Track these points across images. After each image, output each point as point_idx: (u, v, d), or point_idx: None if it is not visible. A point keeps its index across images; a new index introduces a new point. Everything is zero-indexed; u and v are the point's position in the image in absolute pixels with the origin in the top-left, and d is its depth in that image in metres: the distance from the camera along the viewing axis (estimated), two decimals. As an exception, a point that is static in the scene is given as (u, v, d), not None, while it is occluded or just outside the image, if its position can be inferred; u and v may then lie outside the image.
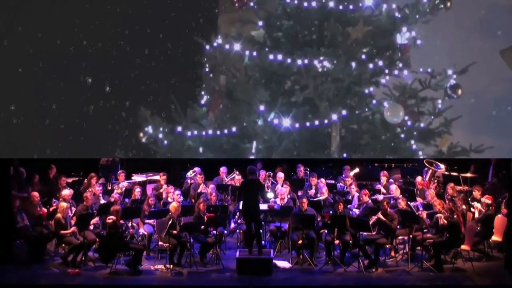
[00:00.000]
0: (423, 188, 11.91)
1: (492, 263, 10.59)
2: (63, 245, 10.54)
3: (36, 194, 10.98)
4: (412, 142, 9.34)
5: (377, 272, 10.15)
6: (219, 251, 10.75)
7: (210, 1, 11.66)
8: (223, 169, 12.62)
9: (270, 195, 11.88)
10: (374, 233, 10.52)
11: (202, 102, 9.72)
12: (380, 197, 11.54)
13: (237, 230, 11.54)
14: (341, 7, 9.33)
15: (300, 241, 10.49)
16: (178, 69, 11.24)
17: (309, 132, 9.14)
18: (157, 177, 12.69)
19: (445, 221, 10.23)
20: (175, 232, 10.31)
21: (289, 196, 11.63)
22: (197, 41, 9.69)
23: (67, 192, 11.12)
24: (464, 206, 11.06)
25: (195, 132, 9.28)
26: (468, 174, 12.41)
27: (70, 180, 12.51)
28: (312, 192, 12.00)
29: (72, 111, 10.85)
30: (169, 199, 11.61)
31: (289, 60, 9.13)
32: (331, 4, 9.29)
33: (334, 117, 8.93)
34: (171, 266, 10.23)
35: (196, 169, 12.56)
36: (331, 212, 11.07)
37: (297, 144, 9.07)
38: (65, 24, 10.66)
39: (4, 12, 10.49)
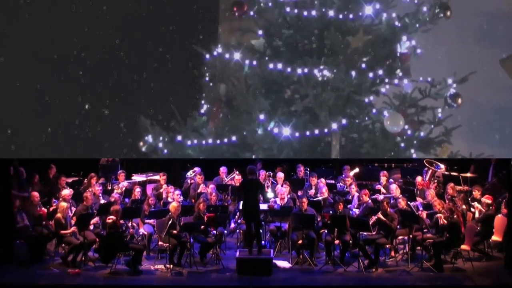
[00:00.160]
0: (423, 188, 11.91)
1: (492, 263, 10.59)
2: (63, 245, 10.54)
3: (36, 194, 10.98)
4: (412, 151, 9.37)
5: (377, 272, 10.15)
6: (219, 251, 10.75)
7: (210, 10, 11.67)
8: (223, 169, 12.63)
9: (270, 195, 11.89)
10: (374, 233, 10.52)
11: (202, 111, 9.71)
12: (380, 196, 11.55)
13: (237, 230, 11.54)
14: (341, 16, 9.35)
15: (300, 241, 10.49)
16: (178, 78, 11.26)
17: (309, 141, 9.14)
18: (157, 177, 12.70)
19: (445, 221, 10.23)
20: (175, 232, 10.31)
21: (289, 196, 11.63)
22: (197, 50, 9.69)
23: (67, 192, 11.12)
24: (464, 206, 11.06)
25: (195, 141, 9.29)
26: (468, 174, 12.41)
27: (70, 180, 12.50)
28: (312, 192, 12.00)
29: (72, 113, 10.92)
30: (169, 199, 11.62)
31: (289, 69, 9.15)
32: (331, 13, 9.31)
33: (334, 126, 8.94)
34: (171, 266, 10.23)
35: (196, 169, 12.58)
36: (331, 212, 11.08)
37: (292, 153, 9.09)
38: (64, 34, 10.70)
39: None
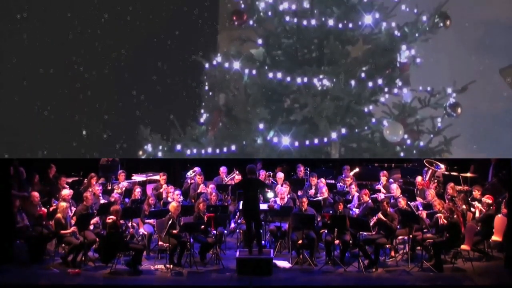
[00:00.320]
0: (423, 188, 11.92)
1: (492, 263, 10.59)
2: (63, 245, 10.54)
3: (36, 194, 10.99)
4: None
5: (377, 272, 10.15)
6: (219, 251, 10.75)
7: (210, 20, 11.68)
8: (223, 169, 12.64)
9: (270, 195, 11.89)
10: (374, 233, 10.52)
11: (202, 120, 9.66)
12: (381, 196, 11.55)
13: (237, 230, 11.54)
14: (340, 25, 9.34)
15: (300, 241, 10.49)
16: (178, 87, 11.27)
17: (308, 151, 9.12)
18: (157, 177, 12.71)
19: (445, 221, 10.23)
20: (175, 232, 10.32)
21: (289, 196, 11.63)
22: (196, 59, 9.67)
23: (67, 192, 11.13)
24: (464, 206, 11.07)
25: (194, 151, 9.24)
26: (468, 174, 12.41)
27: (70, 180, 12.51)
28: (312, 192, 12.01)
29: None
30: (169, 199, 11.62)
31: (288, 79, 9.12)
32: (331, 22, 9.29)
33: (334, 135, 8.91)
34: (171, 266, 10.23)
35: (196, 169, 12.59)
36: (331, 212, 11.08)
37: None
38: (65, 42, 10.71)
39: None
